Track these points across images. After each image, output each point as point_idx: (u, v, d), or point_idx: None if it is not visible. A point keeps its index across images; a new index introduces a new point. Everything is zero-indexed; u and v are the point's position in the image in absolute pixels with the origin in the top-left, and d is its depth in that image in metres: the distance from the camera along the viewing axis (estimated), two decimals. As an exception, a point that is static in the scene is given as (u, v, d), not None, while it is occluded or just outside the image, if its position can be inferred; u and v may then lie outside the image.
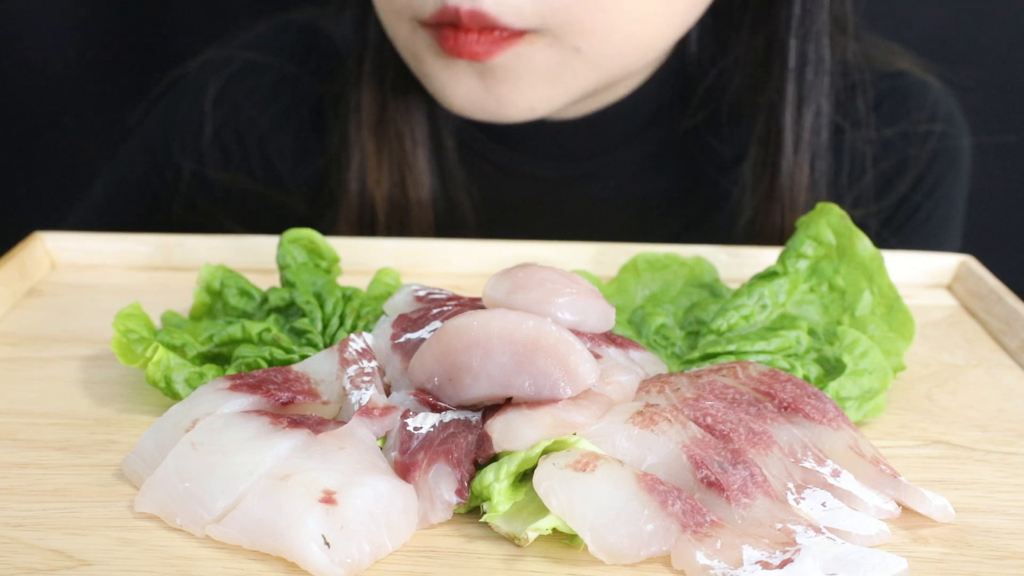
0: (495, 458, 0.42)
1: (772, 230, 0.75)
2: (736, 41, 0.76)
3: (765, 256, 0.66)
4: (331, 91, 0.81)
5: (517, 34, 0.63)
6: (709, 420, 0.44)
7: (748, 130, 0.76)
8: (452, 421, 0.44)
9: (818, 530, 0.40)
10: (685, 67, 0.78)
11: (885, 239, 0.79)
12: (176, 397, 0.48)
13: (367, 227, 0.77)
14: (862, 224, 0.75)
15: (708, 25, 0.76)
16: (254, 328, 0.51)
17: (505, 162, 0.80)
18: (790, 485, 0.43)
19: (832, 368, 0.50)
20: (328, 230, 0.71)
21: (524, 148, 0.80)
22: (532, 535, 0.40)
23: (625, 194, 0.80)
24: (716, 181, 0.79)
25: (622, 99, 0.77)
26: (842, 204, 0.77)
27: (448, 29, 0.64)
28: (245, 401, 0.44)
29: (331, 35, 0.84)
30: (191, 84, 0.84)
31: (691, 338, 0.54)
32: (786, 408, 0.46)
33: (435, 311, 0.49)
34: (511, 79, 0.66)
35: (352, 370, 0.47)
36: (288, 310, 0.54)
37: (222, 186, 0.83)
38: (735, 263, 0.66)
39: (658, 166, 0.80)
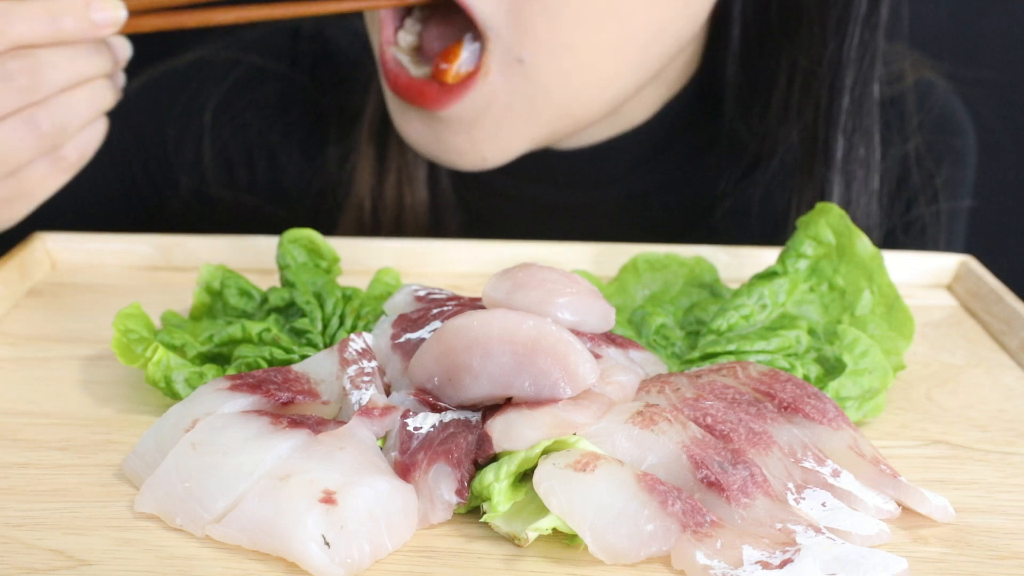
0: (495, 458, 0.42)
1: None
2: (779, 133, 0.74)
3: (765, 256, 0.66)
4: (335, 101, 0.80)
5: (467, 80, 0.62)
6: (709, 420, 0.44)
7: (775, 172, 0.75)
8: (452, 421, 0.44)
9: (818, 530, 0.40)
10: (701, 103, 0.77)
11: (896, 239, 0.79)
12: (176, 397, 0.48)
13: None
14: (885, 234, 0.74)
15: (739, 70, 0.75)
16: (254, 328, 0.51)
17: (505, 189, 0.79)
18: (790, 485, 0.43)
19: (832, 368, 0.50)
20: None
21: (525, 177, 0.78)
22: (532, 535, 0.40)
23: (626, 222, 0.80)
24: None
25: (626, 132, 0.76)
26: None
27: (397, 75, 0.63)
28: (245, 401, 0.44)
29: (331, 41, 0.83)
30: (185, 82, 0.83)
31: (691, 338, 0.54)
32: (786, 408, 0.46)
33: (435, 311, 0.49)
34: (462, 131, 0.64)
35: (352, 370, 0.47)
36: (288, 310, 0.54)
37: (221, 200, 0.82)
38: (735, 263, 0.66)
39: (661, 195, 0.79)
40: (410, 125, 0.66)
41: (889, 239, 0.78)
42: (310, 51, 0.83)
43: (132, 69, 0.63)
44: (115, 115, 0.63)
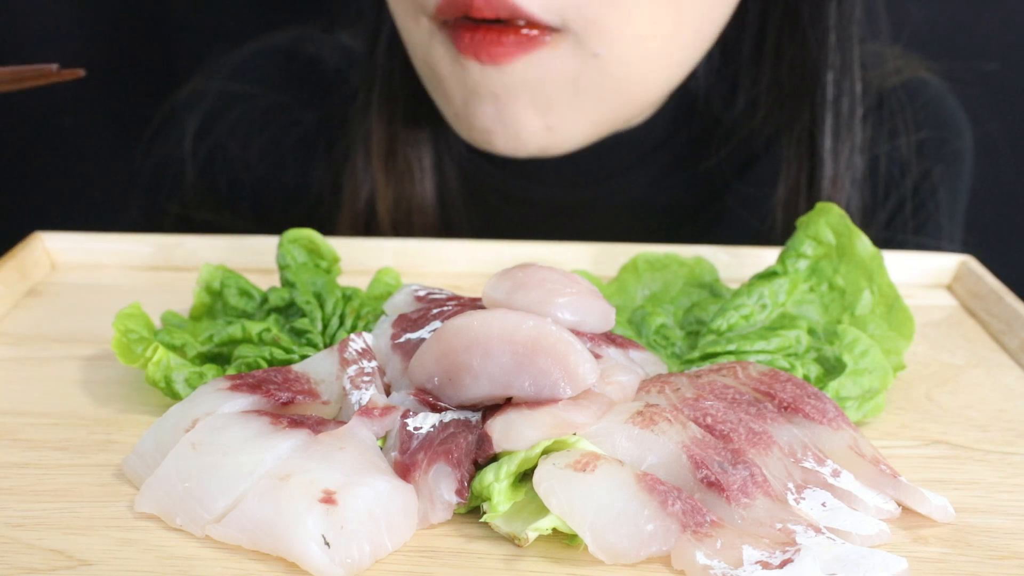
0: (495, 458, 0.42)
1: None
2: (759, 75, 0.75)
3: (765, 256, 0.66)
4: (322, 117, 0.80)
5: (538, 37, 0.62)
6: (709, 420, 0.44)
7: (772, 166, 0.76)
8: (452, 421, 0.44)
9: (818, 530, 0.40)
10: (692, 93, 0.77)
11: (892, 238, 0.79)
12: (176, 397, 0.48)
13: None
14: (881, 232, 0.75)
15: (715, 56, 0.76)
16: (254, 328, 0.51)
17: (508, 189, 0.79)
18: (790, 485, 0.43)
19: (832, 368, 0.50)
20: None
21: (527, 175, 0.78)
22: (532, 535, 0.40)
23: (629, 218, 0.80)
24: (724, 199, 0.79)
25: (628, 128, 0.76)
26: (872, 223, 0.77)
27: (464, 29, 0.62)
28: (245, 401, 0.44)
29: (315, 58, 0.83)
30: (176, 119, 0.84)
31: (691, 338, 0.54)
32: (786, 408, 0.46)
33: (435, 311, 0.49)
34: (526, 92, 0.64)
35: (352, 370, 0.47)
36: (288, 310, 0.54)
37: (209, 224, 0.82)
38: (735, 263, 0.66)
39: (664, 189, 0.79)
40: (480, 108, 0.65)
41: (891, 239, 0.79)
42: (289, 69, 0.83)
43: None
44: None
